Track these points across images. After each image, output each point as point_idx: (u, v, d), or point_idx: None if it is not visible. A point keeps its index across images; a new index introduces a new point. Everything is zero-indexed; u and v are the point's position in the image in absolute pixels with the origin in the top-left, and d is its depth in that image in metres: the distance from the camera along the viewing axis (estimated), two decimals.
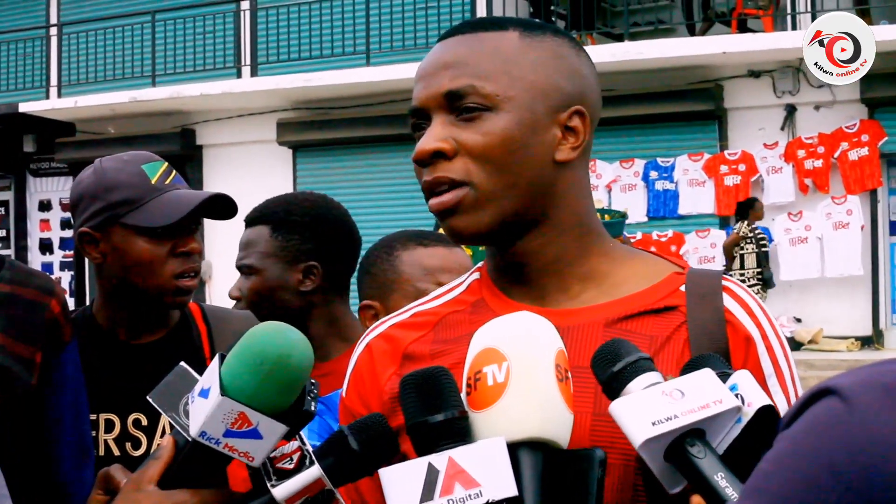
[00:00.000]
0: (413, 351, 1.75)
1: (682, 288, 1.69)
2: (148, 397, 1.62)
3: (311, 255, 3.03)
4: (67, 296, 20.63)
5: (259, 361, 1.49)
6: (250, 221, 3.11)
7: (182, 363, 1.67)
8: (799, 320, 15.36)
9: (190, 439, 1.54)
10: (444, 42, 1.73)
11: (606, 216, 14.05)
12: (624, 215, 14.46)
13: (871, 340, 15.43)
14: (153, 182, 2.67)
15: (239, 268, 3.06)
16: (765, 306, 1.71)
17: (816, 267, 15.48)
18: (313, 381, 1.56)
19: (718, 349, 1.61)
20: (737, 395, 1.44)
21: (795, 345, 14.85)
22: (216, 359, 1.53)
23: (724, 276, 1.72)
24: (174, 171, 2.75)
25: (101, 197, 2.68)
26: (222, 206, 2.77)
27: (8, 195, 21.97)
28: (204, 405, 1.51)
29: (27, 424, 2.38)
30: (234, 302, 3.18)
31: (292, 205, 3.10)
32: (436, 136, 1.65)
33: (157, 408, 1.61)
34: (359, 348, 1.84)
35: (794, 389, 1.67)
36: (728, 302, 1.67)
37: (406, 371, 1.68)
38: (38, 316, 2.41)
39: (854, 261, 15.32)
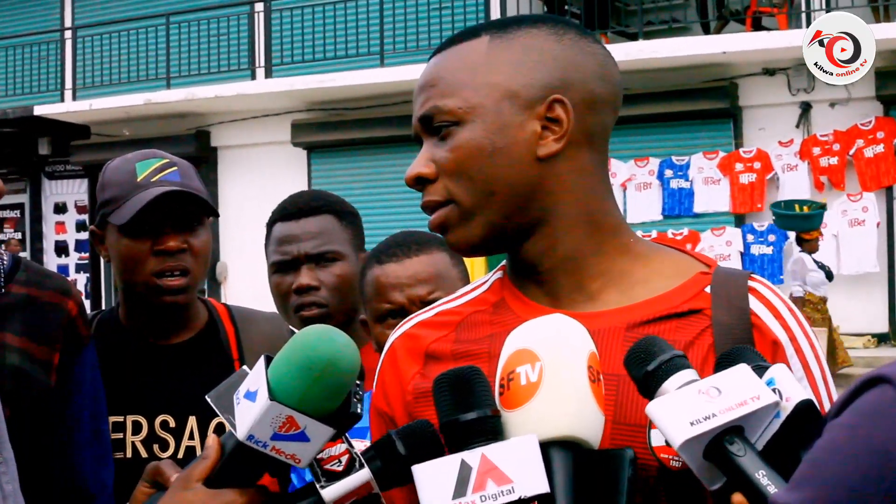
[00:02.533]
0: (435, 350, 1.75)
1: (708, 289, 1.65)
2: (207, 397, 1.62)
3: (364, 245, 3.00)
4: (83, 298, 20.62)
5: (308, 366, 1.49)
6: (311, 210, 2.95)
7: (244, 367, 1.66)
8: None
9: (236, 441, 1.55)
10: (426, 65, 1.74)
11: (805, 207, 13.98)
12: (823, 206, 14.38)
13: (888, 337, 15.39)
14: (138, 179, 2.61)
15: (321, 255, 2.89)
16: (794, 308, 1.67)
17: (832, 264, 15.42)
18: (358, 382, 1.57)
19: None
20: (774, 390, 1.42)
21: None
22: (262, 360, 1.54)
23: (752, 276, 1.68)
24: (171, 168, 2.65)
25: (99, 196, 2.69)
26: (199, 204, 2.66)
27: (23, 198, 22.02)
28: (251, 408, 1.51)
29: (46, 426, 2.38)
30: (291, 296, 2.91)
31: (333, 197, 3.04)
32: (418, 161, 1.68)
33: (214, 408, 1.61)
34: (386, 347, 1.84)
35: (826, 392, 1.64)
36: (755, 305, 1.63)
37: (429, 370, 1.71)
38: (56, 317, 2.40)
39: (870, 258, 15.30)
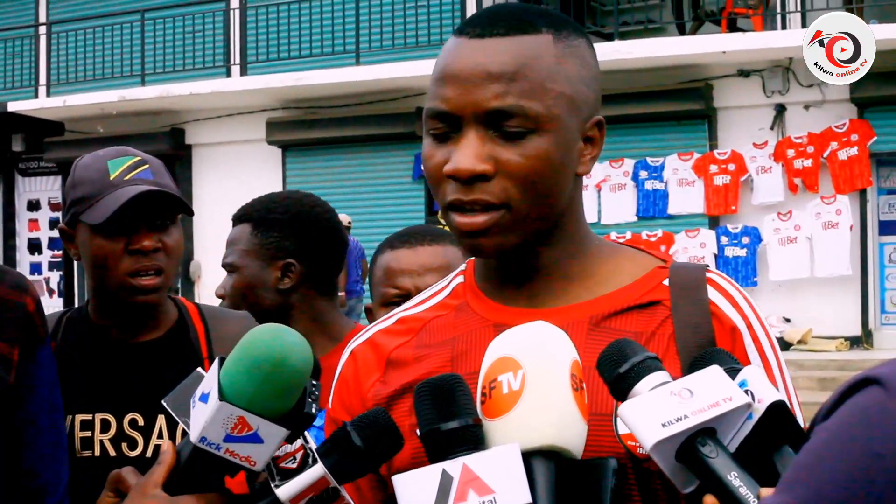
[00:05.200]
0: (397, 357, 1.74)
1: (666, 282, 1.68)
2: (163, 401, 1.62)
3: (290, 253, 3.05)
4: (56, 296, 20.60)
5: (256, 365, 1.48)
6: (235, 219, 3.13)
7: (199, 369, 1.65)
8: (788, 320, 15.36)
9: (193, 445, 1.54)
10: (482, 43, 1.62)
11: None
12: None
13: (861, 340, 15.44)
14: (111, 178, 2.59)
15: (223, 266, 3.10)
16: (751, 298, 1.70)
17: (806, 267, 15.49)
18: (314, 382, 1.55)
19: (704, 342, 1.61)
20: (746, 392, 1.43)
21: (785, 345, 14.84)
22: (216, 362, 1.53)
23: (708, 268, 1.71)
24: (143, 167, 2.63)
25: (69, 194, 2.67)
26: (175, 203, 2.66)
27: None
28: (203, 410, 1.51)
29: (3, 423, 2.36)
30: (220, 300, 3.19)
31: (274, 203, 3.12)
32: (476, 154, 1.59)
33: (171, 412, 1.61)
34: (344, 356, 1.83)
35: (782, 380, 1.66)
36: (713, 294, 1.66)
37: (390, 377, 1.72)
38: (14, 313, 2.39)
39: (843, 261, 15.33)
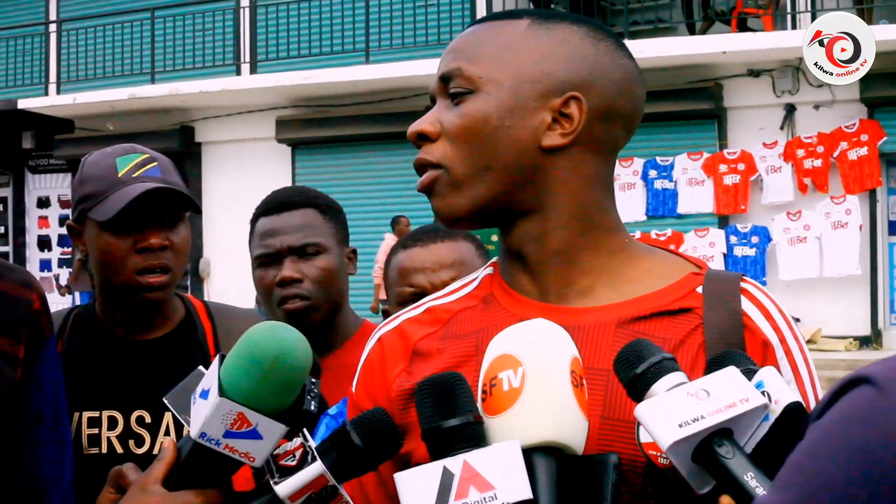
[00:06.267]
0: (421, 348, 1.74)
1: (699, 289, 1.65)
2: (164, 399, 1.63)
3: (348, 240, 3.01)
4: (68, 293, 20.63)
5: (256, 361, 1.49)
6: (294, 204, 2.93)
7: (200, 367, 1.66)
8: (797, 320, 15.27)
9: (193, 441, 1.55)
10: (462, 32, 1.74)
11: None
12: None
13: (870, 340, 15.44)
14: (119, 175, 2.60)
15: (302, 247, 2.85)
16: (784, 310, 1.67)
17: (815, 266, 15.48)
18: (314, 380, 1.57)
19: None
20: (763, 393, 1.42)
21: None
22: (217, 359, 1.54)
23: (744, 277, 1.68)
24: (151, 164, 2.64)
25: (78, 190, 2.67)
26: (183, 201, 2.66)
27: (6, 192, 21.95)
28: (203, 406, 1.52)
29: (7, 421, 2.35)
30: (274, 289, 2.92)
31: (318, 192, 3.06)
32: (426, 118, 1.69)
33: (172, 410, 1.62)
34: (371, 342, 1.82)
35: (813, 395, 1.64)
36: (746, 305, 1.64)
37: (415, 368, 1.70)
38: (20, 310, 2.38)
39: (852, 260, 15.32)
